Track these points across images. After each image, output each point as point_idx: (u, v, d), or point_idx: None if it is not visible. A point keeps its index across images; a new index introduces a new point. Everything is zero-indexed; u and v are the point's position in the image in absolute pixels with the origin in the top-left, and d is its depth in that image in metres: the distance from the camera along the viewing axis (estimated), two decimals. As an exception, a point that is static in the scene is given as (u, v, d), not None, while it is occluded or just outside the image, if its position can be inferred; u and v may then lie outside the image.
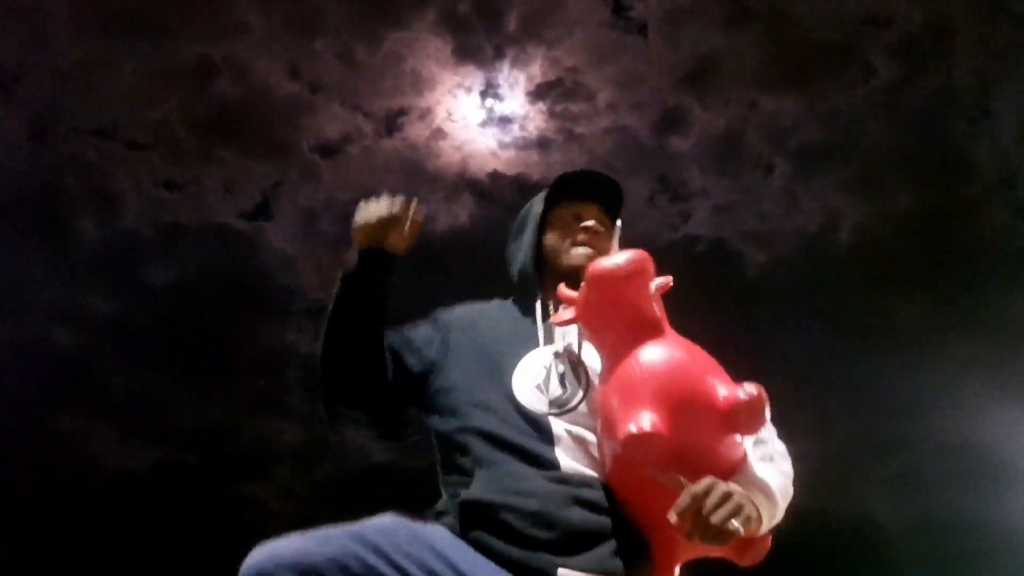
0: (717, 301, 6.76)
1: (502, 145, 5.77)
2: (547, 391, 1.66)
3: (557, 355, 1.70)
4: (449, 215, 6.50)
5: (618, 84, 5.39)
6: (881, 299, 6.72)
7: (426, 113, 5.99)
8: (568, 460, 1.58)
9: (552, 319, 1.68)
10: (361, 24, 5.28)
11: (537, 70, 5.28)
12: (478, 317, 1.86)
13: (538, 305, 1.77)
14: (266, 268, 6.34)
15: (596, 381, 1.66)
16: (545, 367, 1.69)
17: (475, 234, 6.78)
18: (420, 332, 1.82)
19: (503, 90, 5.40)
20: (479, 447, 1.61)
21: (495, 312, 1.89)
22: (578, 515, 1.51)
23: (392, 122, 6.28)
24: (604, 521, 1.51)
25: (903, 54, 5.54)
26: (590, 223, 1.80)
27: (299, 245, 6.28)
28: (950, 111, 5.99)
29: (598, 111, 5.58)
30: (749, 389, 1.39)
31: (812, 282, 6.76)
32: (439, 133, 6.04)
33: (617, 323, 1.55)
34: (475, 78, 5.73)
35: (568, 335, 1.75)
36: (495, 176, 5.91)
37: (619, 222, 1.93)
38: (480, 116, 5.95)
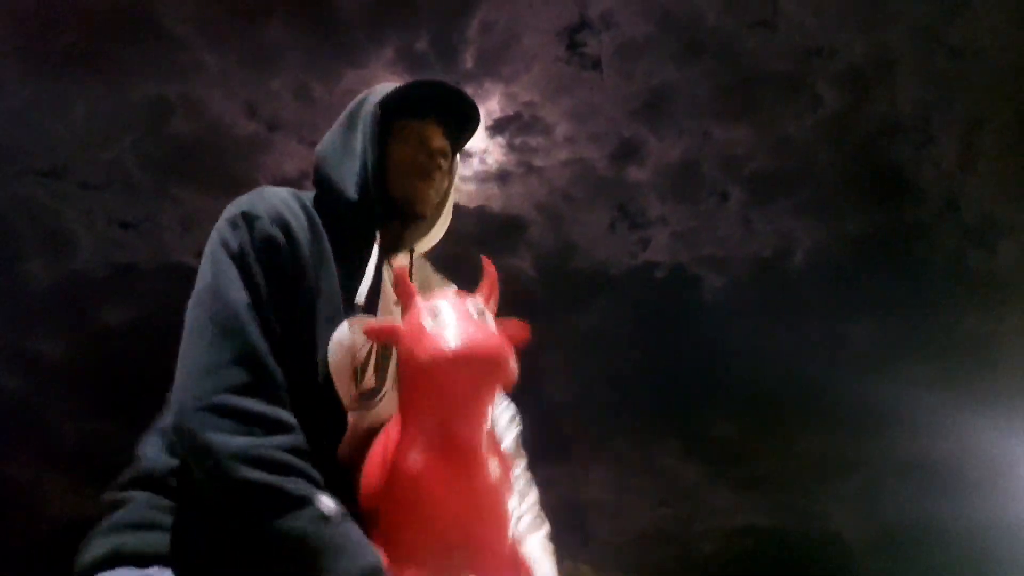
0: (677, 325, 6.84)
1: (462, 178, 5.79)
2: (360, 378, 1.35)
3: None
4: (410, 249, 6.47)
5: (575, 117, 5.47)
6: (836, 320, 6.87)
7: (385, 148, 5.98)
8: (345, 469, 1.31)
9: (363, 325, 1.28)
10: (318, 63, 5.29)
11: (495, 105, 5.34)
12: (303, 237, 1.35)
13: (375, 251, 1.40)
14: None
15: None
16: (363, 344, 1.34)
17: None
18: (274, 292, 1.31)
19: (461, 124, 5.45)
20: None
21: (308, 230, 1.37)
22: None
23: (351, 157, 6.25)
24: None
25: (848, 84, 5.72)
26: (439, 159, 1.44)
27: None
28: (895, 137, 6.19)
29: (556, 144, 5.66)
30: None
31: (769, 305, 6.89)
32: (398, 168, 6.01)
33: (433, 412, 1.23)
34: (433, 113, 5.74)
35: (388, 290, 1.41)
36: (456, 209, 5.94)
37: (459, 156, 1.58)
38: (439, 151, 5.96)
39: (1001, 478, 6.56)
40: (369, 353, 1.35)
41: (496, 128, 5.47)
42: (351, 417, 1.31)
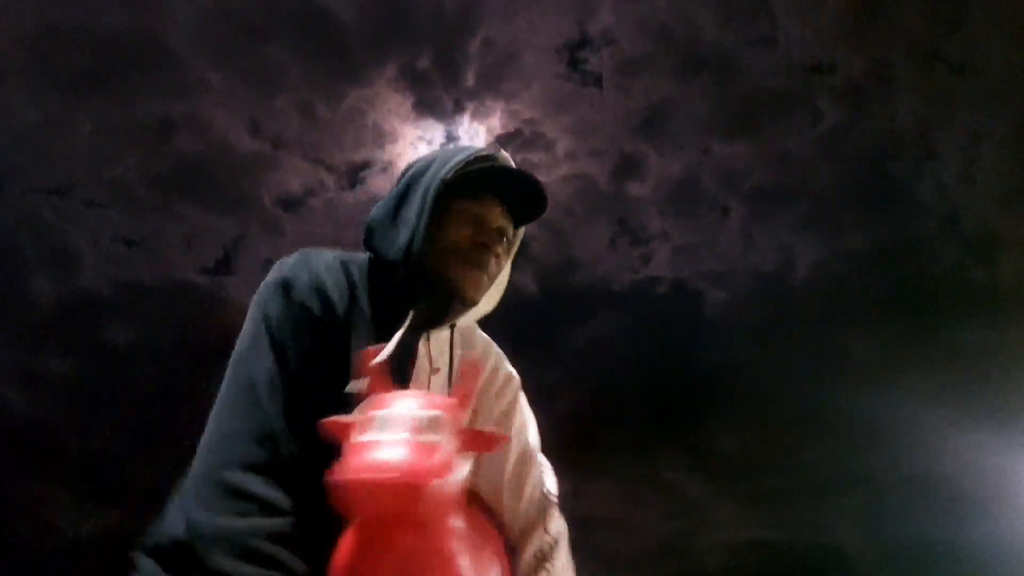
0: (679, 339, 6.86)
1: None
2: None
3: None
4: (412, 264, 6.50)
5: (575, 133, 5.51)
6: (838, 334, 6.88)
7: (388, 166, 6.06)
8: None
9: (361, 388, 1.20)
10: (322, 81, 5.36)
11: (496, 122, 5.39)
12: (341, 306, 1.31)
13: (405, 327, 1.30)
14: (228, 323, 6.27)
15: None
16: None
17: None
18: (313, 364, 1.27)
19: (464, 142, 5.49)
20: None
21: (349, 302, 1.33)
22: None
23: (354, 175, 6.33)
24: None
25: (847, 99, 5.76)
26: (496, 244, 1.34)
27: (262, 298, 6.22)
28: (895, 152, 6.22)
29: (557, 160, 5.70)
30: None
31: (771, 319, 6.90)
32: (401, 185, 6.07)
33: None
34: (436, 131, 5.82)
35: (440, 380, 1.36)
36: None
37: (521, 231, 1.47)
38: (442, 167, 6.00)
39: (1004, 493, 6.55)
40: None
41: (497, 144, 5.51)
42: None
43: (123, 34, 4.84)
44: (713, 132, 5.56)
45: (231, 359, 1.30)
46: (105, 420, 5.92)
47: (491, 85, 5.28)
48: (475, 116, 5.21)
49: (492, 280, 1.42)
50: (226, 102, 4.87)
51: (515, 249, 1.49)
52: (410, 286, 1.36)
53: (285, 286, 1.30)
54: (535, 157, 5.67)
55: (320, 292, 1.30)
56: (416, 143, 5.82)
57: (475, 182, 1.39)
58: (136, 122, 4.93)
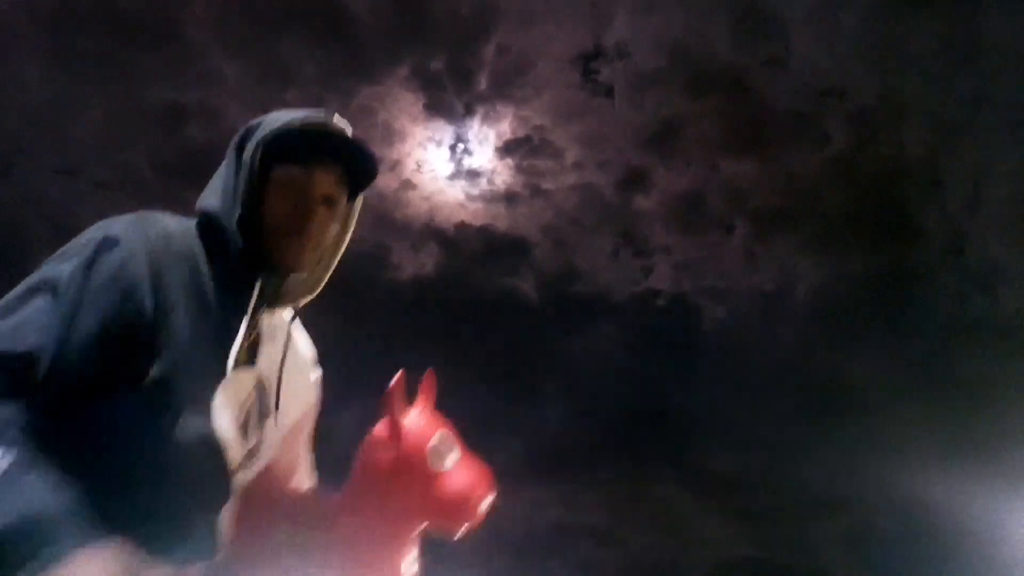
0: (676, 354, 6.86)
1: (470, 197, 5.86)
2: (247, 435, 1.25)
3: (260, 382, 1.28)
4: (415, 263, 6.55)
5: (584, 143, 5.53)
6: (835, 358, 6.88)
7: (396, 164, 6.08)
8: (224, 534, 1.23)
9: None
10: (333, 77, 5.38)
11: (506, 127, 5.41)
12: (180, 279, 1.24)
13: (253, 299, 1.27)
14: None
15: (278, 427, 1.30)
16: (245, 398, 1.25)
17: (440, 282, 6.83)
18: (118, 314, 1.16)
19: (472, 145, 5.52)
20: (143, 491, 1.13)
21: (186, 269, 1.26)
22: None
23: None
24: None
25: (857, 125, 5.77)
26: (320, 210, 1.29)
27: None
28: (901, 180, 6.23)
29: (564, 168, 5.72)
30: None
31: (769, 339, 6.90)
32: (408, 184, 6.12)
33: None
34: (445, 132, 5.84)
35: (275, 350, 1.32)
36: (461, 227, 6.00)
37: (359, 200, 1.41)
38: (449, 169, 6.06)
39: (992, 526, 6.54)
40: (250, 411, 1.27)
41: (506, 150, 5.53)
42: (238, 477, 1.23)
43: (140, 19, 4.88)
44: (721, 150, 5.58)
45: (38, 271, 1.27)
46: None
47: (503, 90, 5.30)
48: (485, 120, 5.24)
49: (319, 247, 1.37)
50: (238, 93, 4.89)
51: (353, 220, 1.43)
52: (248, 261, 1.31)
53: (108, 245, 1.26)
54: (543, 164, 5.69)
55: (154, 261, 1.25)
56: (425, 143, 5.85)
57: (302, 149, 1.33)
58: (148, 107, 4.96)
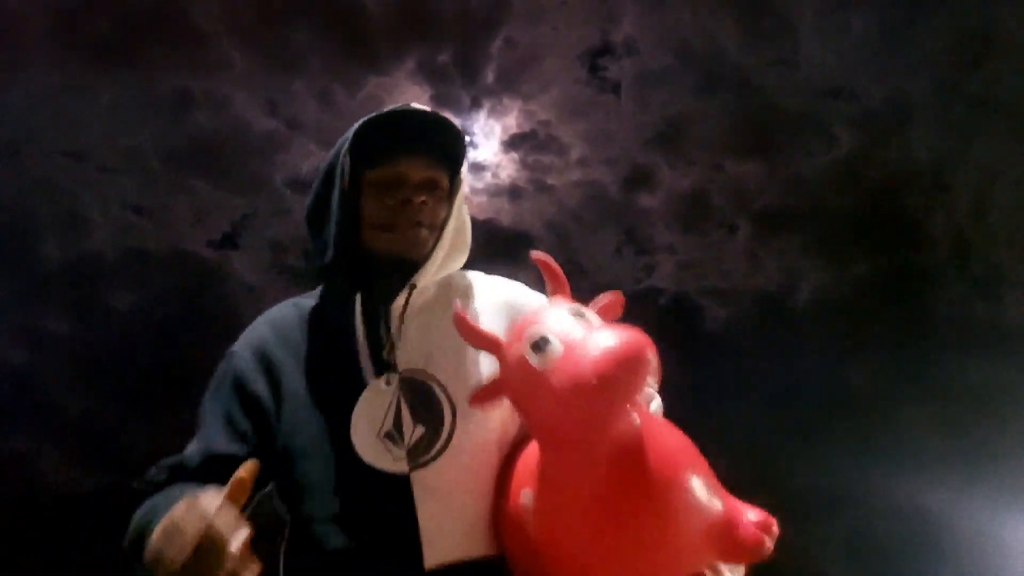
0: (677, 353, 6.86)
1: (474, 191, 5.87)
2: (401, 437, 1.20)
3: (399, 381, 1.21)
4: (418, 256, 6.55)
5: (590, 140, 5.53)
6: (836, 360, 6.88)
7: (401, 155, 6.07)
8: (436, 540, 1.15)
9: (471, 402, 1.11)
10: (341, 68, 5.38)
11: (512, 121, 5.41)
12: (284, 352, 1.27)
13: (358, 314, 1.25)
14: (230, 297, 6.33)
15: (458, 404, 1.20)
16: (386, 404, 1.20)
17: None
18: (238, 410, 1.25)
19: (478, 138, 5.52)
20: (325, 540, 1.16)
21: (299, 335, 1.28)
22: None
23: (367, 162, 6.35)
24: None
25: (864, 127, 5.76)
26: (422, 196, 1.26)
27: (264, 276, 6.29)
28: (908, 184, 6.22)
29: (569, 164, 5.71)
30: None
31: (770, 340, 6.90)
32: (413, 175, 6.11)
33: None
34: (451, 125, 5.82)
35: (408, 345, 1.25)
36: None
37: (463, 174, 1.39)
38: (454, 161, 6.04)
39: (991, 534, 6.54)
40: (398, 412, 1.20)
41: (511, 144, 5.53)
42: (419, 478, 1.17)
43: (150, 6, 4.89)
44: (727, 150, 5.57)
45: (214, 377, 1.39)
46: (100, 381, 5.99)
47: (510, 84, 5.30)
48: (492, 113, 5.23)
49: (433, 230, 1.34)
50: (246, 82, 4.91)
51: (459, 194, 1.39)
52: (344, 272, 1.31)
53: (230, 356, 1.35)
54: (547, 160, 5.69)
55: (260, 354, 1.32)
56: (431, 136, 5.84)
57: (386, 145, 1.30)
58: (156, 94, 4.98)
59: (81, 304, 5.94)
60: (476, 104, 5.25)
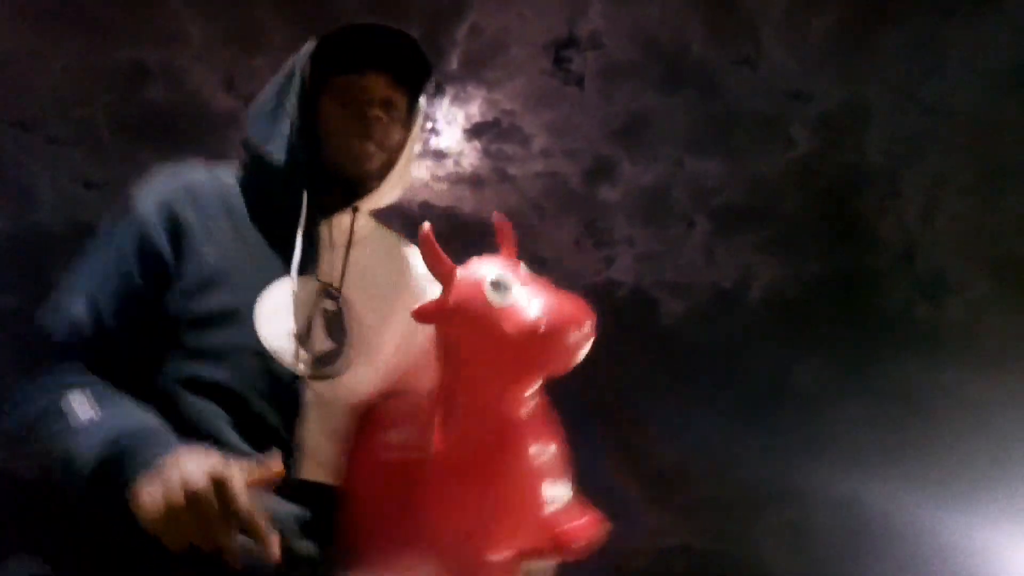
0: (632, 345, 6.94)
1: (435, 178, 5.83)
2: (310, 342, 1.20)
3: (326, 290, 1.21)
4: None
5: (553, 131, 5.53)
6: (783, 355, 7.03)
7: (363, 138, 6.00)
8: (315, 454, 1.15)
9: (414, 311, 1.12)
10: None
11: (475, 109, 5.37)
12: (195, 215, 1.23)
13: (301, 220, 1.24)
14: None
15: (367, 337, 1.20)
16: (303, 306, 1.20)
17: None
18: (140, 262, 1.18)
19: (440, 125, 5.47)
20: (204, 415, 1.14)
21: (217, 207, 1.24)
22: (304, 549, 1.13)
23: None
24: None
25: (821, 130, 5.86)
26: (378, 112, 1.26)
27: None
28: (860, 186, 6.35)
29: (531, 154, 5.71)
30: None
31: (723, 334, 7.02)
32: (373, 160, 6.05)
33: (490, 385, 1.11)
34: (414, 110, 5.76)
35: (335, 265, 1.26)
36: (425, 206, 5.97)
37: (423, 100, 1.34)
38: (415, 148, 5.99)
39: (927, 529, 6.76)
40: (311, 319, 1.22)
41: (474, 132, 5.51)
42: (313, 388, 1.18)
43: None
44: (688, 146, 5.62)
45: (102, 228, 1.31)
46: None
47: (474, 72, 5.26)
48: (455, 101, 5.20)
49: (385, 150, 1.33)
50: (204, 55, 4.78)
51: (417, 124, 1.37)
52: (295, 174, 1.28)
53: (137, 208, 1.32)
54: (510, 149, 5.67)
55: (171, 216, 1.25)
56: (393, 120, 5.78)
57: (352, 57, 1.28)
58: (109, 65, 4.82)
59: (28, 279, 5.76)
60: (440, 90, 5.21)
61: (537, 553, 1.19)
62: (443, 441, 1.13)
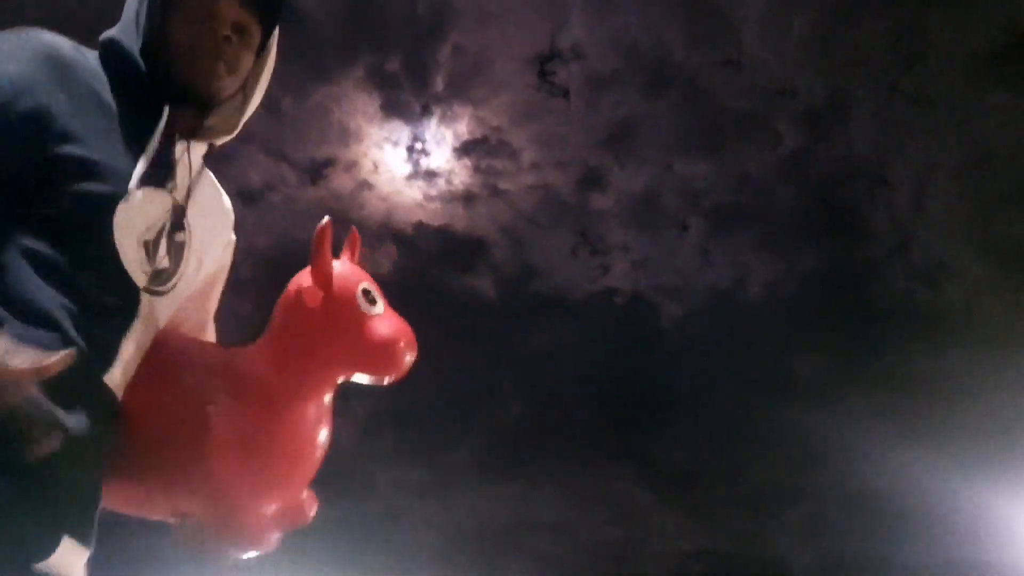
0: (634, 351, 6.95)
1: (428, 198, 5.86)
2: (155, 256, 1.23)
3: (176, 209, 1.25)
4: (372, 263, 6.51)
5: (541, 144, 5.56)
6: (787, 352, 7.03)
7: (352, 165, 6.03)
8: (129, 366, 1.18)
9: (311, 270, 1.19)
10: (288, 76, 5.32)
11: (464, 128, 5.40)
12: (79, 94, 1.21)
13: (161, 125, 1.24)
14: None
15: (195, 260, 1.28)
16: (155, 214, 1.22)
17: (398, 282, 6.82)
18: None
19: (430, 145, 5.50)
20: (41, 295, 1.10)
21: (85, 82, 1.24)
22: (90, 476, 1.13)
23: (317, 172, 6.30)
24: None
25: (807, 125, 5.89)
26: (228, 33, 1.27)
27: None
28: (850, 178, 6.39)
29: (522, 168, 5.73)
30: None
31: (723, 334, 7.02)
32: (365, 184, 6.10)
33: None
34: (402, 132, 5.82)
35: (185, 184, 1.30)
36: (420, 227, 6.00)
37: (275, 33, 1.40)
38: (406, 169, 6.04)
39: (941, 512, 6.74)
40: (160, 234, 1.24)
41: (463, 150, 5.53)
42: (144, 300, 1.21)
43: (91, 17, 4.75)
44: (676, 150, 5.65)
45: None
46: None
47: (460, 91, 5.29)
48: (442, 121, 5.22)
49: (232, 75, 1.36)
50: None
51: (270, 55, 1.42)
52: (155, 85, 1.30)
53: (24, 45, 1.22)
54: (500, 165, 5.70)
55: (61, 70, 1.22)
56: (382, 143, 5.82)
57: None
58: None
59: None
60: (427, 111, 5.25)
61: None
62: (258, 394, 1.25)
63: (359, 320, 1.25)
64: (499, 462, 6.68)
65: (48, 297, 1.11)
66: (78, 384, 1.07)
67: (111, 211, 1.18)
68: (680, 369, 6.89)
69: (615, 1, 4.90)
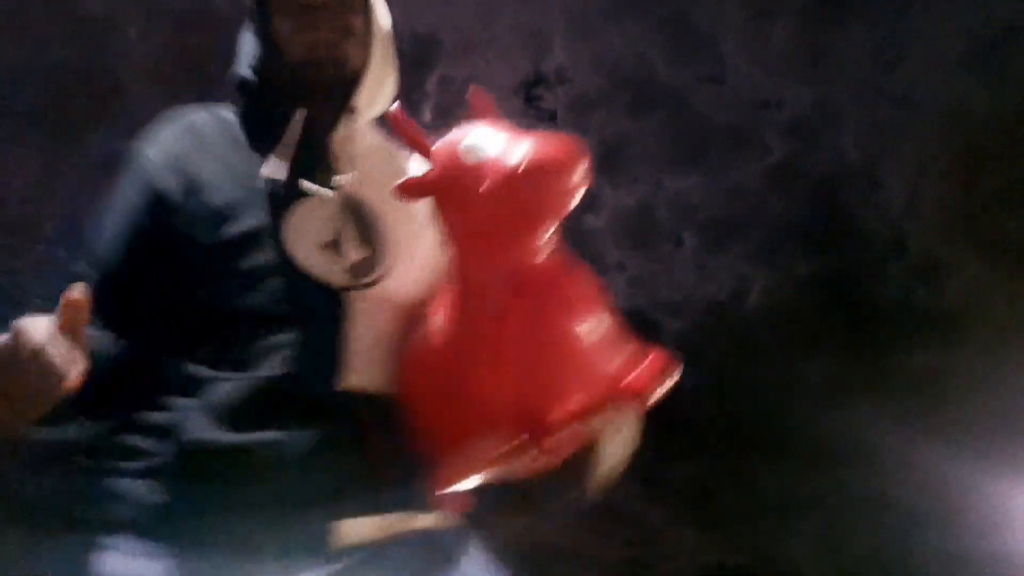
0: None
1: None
2: (342, 252, 1.19)
3: (346, 199, 1.18)
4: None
5: (531, 168, 5.58)
6: (791, 360, 7.02)
7: (345, 199, 6.04)
8: (359, 365, 1.12)
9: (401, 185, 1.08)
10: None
11: (453, 156, 5.43)
12: (204, 158, 1.19)
13: (295, 133, 1.23)
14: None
15: (398, 237, 1.19)
16: (328, 216, 1.18)
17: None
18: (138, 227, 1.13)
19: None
20: (243, 334, 1.10)
21: (225, 145, 1.21)
22: (359, 456, 1.09)
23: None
24: (388, 459, 1.12)
25: (795, 134, 5.93)
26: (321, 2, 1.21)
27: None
28: (842, 184, 6.41)
29: (513, 194, 5.75)
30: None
31: (726, 346, 7.02)
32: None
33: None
34: (393, 165, 5.83)
35: (349, 170, 1.22)
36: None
37: None
38: (399, 201, 6.02)
39: (954, 511, 6.71)
40: (342, 230, 1.20)
41: None
42: (356, 297, 1.12)
43: (78, 71, 4.82)
44: (665, 166, 5.69)
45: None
46: None
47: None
48: (432, 151, 5.25)
49: (341, 36, 1.27)
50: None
51: (376, 14, 1.31)
52: (273, 86, 1.28)
53: (141, 159, 1.23)
54: (492, 191, 5.73)
55: (173, 161, 1.22)
56: (373, 178, 5.83)
57: None
58: (88, 160, 4.89)
59: None
60: (416, 143, 5.27)
61: (602, 408, 1.14)
62: (463, 318, 1.09)
63: (468, 176, 1.04)
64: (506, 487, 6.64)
65: (257, 341, 1.07)
66: (293, 406, 1.05)
67: (273, 237, 1.14)
68: (685, 385, 6.89)
69: (596, 24, 4.96)
